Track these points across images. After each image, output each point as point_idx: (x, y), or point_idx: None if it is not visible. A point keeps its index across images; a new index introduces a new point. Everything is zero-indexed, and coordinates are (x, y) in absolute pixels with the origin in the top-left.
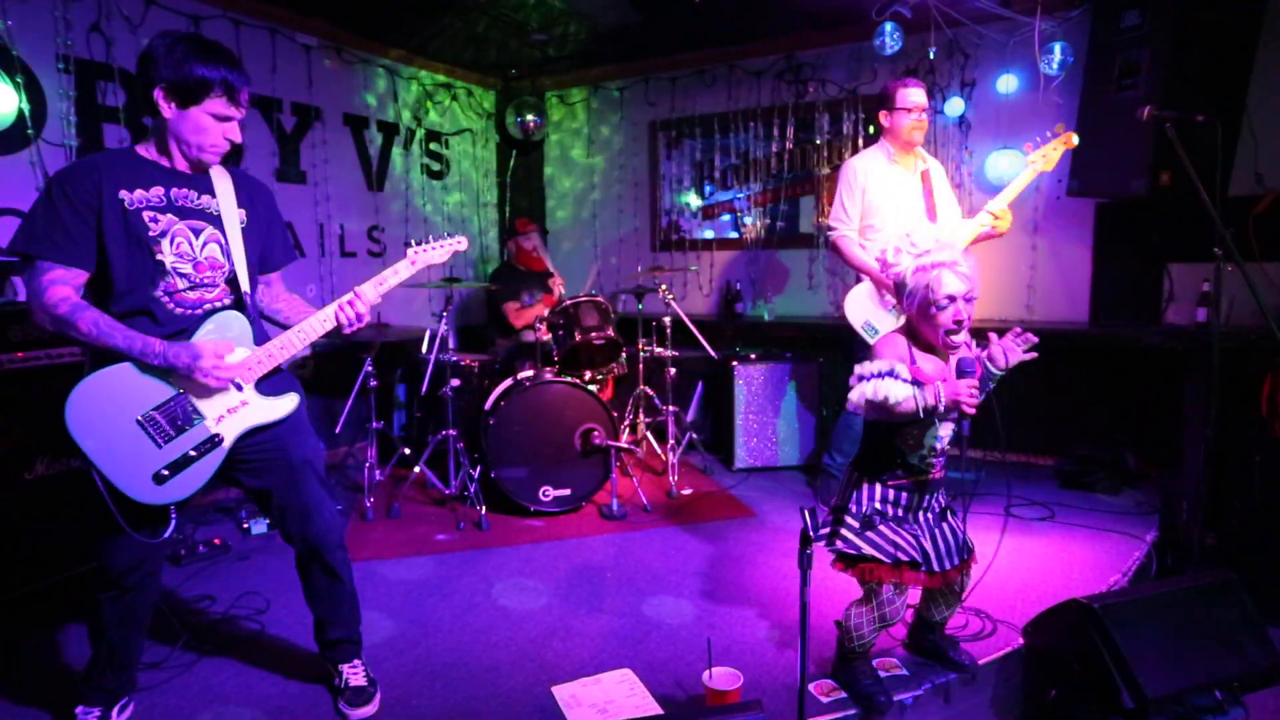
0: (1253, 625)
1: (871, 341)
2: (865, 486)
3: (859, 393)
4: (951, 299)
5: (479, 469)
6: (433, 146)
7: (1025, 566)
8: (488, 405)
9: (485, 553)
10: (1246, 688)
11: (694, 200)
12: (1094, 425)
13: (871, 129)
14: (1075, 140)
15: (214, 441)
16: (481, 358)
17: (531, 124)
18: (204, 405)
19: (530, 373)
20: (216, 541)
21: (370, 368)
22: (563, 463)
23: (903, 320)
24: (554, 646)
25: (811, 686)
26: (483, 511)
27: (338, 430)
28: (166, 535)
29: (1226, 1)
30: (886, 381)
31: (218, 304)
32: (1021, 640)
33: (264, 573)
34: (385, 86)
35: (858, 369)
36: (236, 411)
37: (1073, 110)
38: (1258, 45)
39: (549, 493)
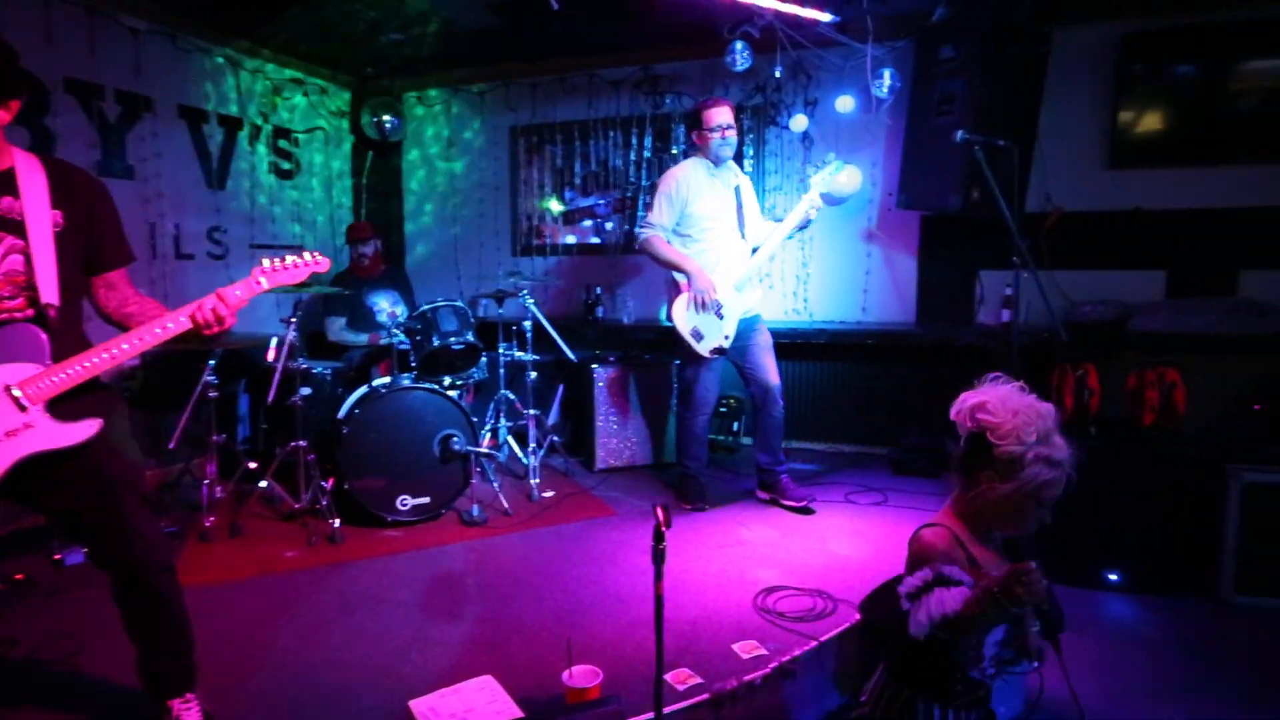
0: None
1: (699, 348)
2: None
3: (915, 620)
4: (1054, 502)
5: (331, 481)
6: (282, 144)
7: (862, 548)
8: (341, 414)
9: (339, 567)
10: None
11: (555, 206)
12: (921, 416)
13: None
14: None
15: None
16: (335, 365)
17: (388, 125)
18: None
19: (387, 379)
20: (18, 577)
21: (210, 377)
22: (421, 470)
23: (955, 496)
24: (412, 659)
25: (669, 676)
26: (336, 525)
27: (172, 446)
28: None
29: (1020, 41)
30: (937, 593)
31: (17, 316)
32: (858, 615)
33: (81, 609)
34: (228, 79)
35: (902, 587)
36: (17, 436)
37: (900, 131)
38: (1045, 81)
39: (407, 502)
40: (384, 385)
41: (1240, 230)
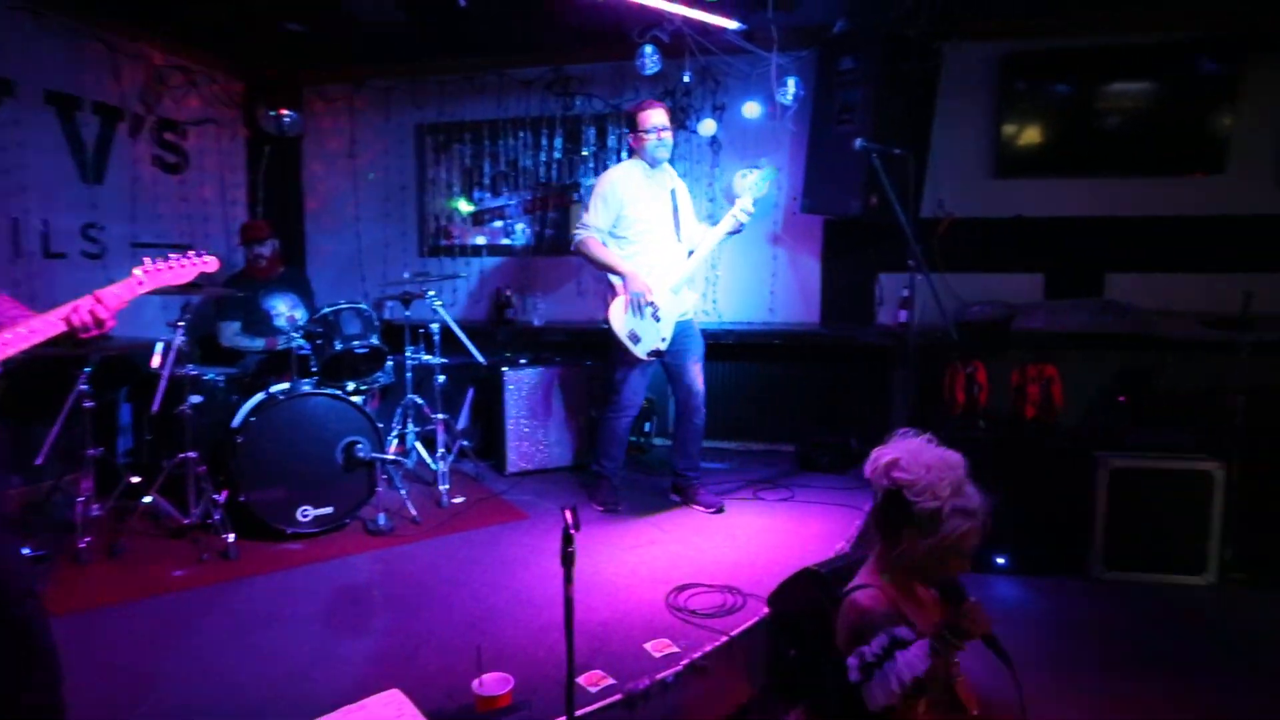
0: None
1: (636, 351)
2: None
3: (884, 690)
4: (975, 550)
5: (225, 493)
6: (168, 137)
7: (770, 543)
8: (236, 422)
9: (234, 585)
10: None
11: (464, 206)
12: (826, 413)
13: None
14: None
15: None
16: (228, 371)
17: (287, 119)
18: None
19: (285, 385)
20: None
21: (85, 386)
22: (324, 480)
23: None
24: (315, 677)
25: (582, 678)
26: (230, 540)
27: (39, 461)
28: None
29: (913, 57)
30: (900, 658)
31: None
32: (767, 609)
33: None
34: (104, 63)
35: (854, 658)
36: None
37: (804, 138)
38: (937, 94)
39: (308, 512)
40: (282, 391)
41: (1106, 237)
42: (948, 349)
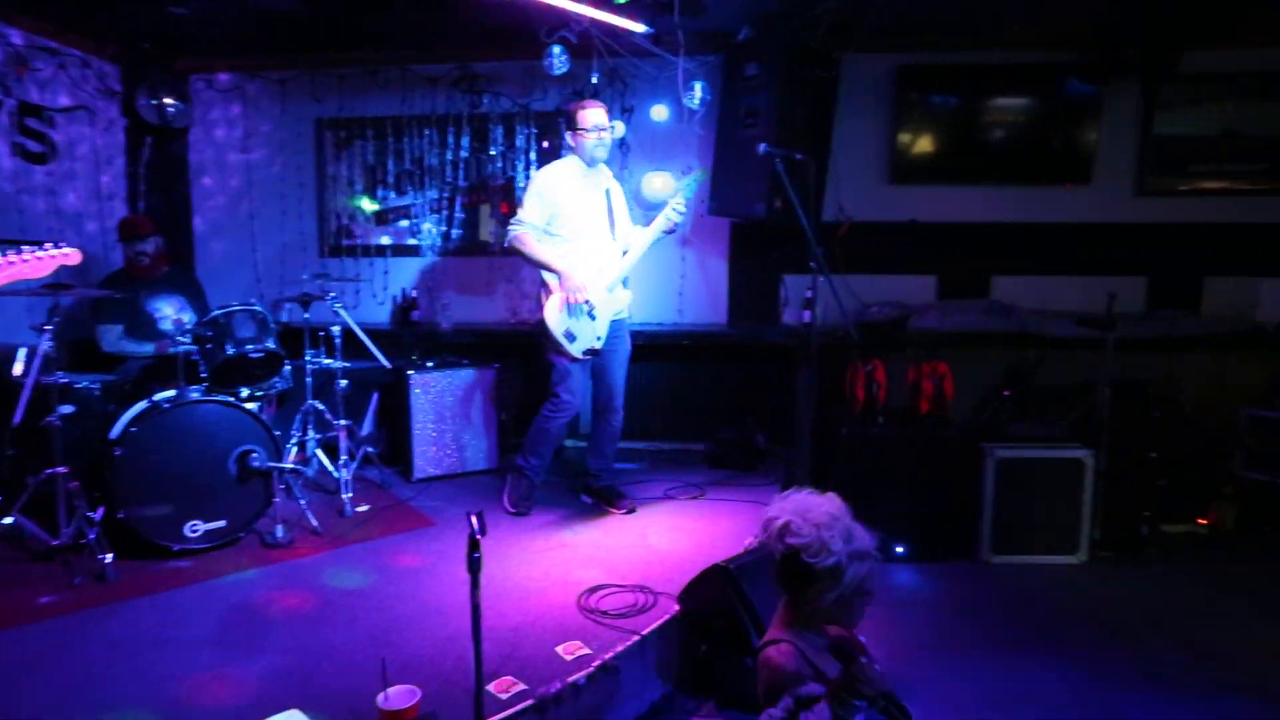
0: None
1: (572, 350)
2: None
3: None
4: (873, 590)
5: (102, 510)
6: (31, 123)
7: (681, 541)
8: (114, 433)
9: (113, 609)
10: None
11: (367, 205)
12: (734, 412)
13: (545, 144)
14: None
15: None
16: (105, 378)
17: (170, 108)
18: None
19: (171, 393)
20: None
21: None
22: (215, 492)
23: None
24: (204, 702)
25: (491, 686)
26: (108, 560)
27: None
28: None
29: (813, 65)
30: (804, 718)
31: None
32: (678, 606)
33: None
34: None
35: (764, 718)
36: None
37: (711, 141)
38: (837, 102)
39: (198, 527)
40: (168, 399)
41: (992, 241)
42: (849, 348)
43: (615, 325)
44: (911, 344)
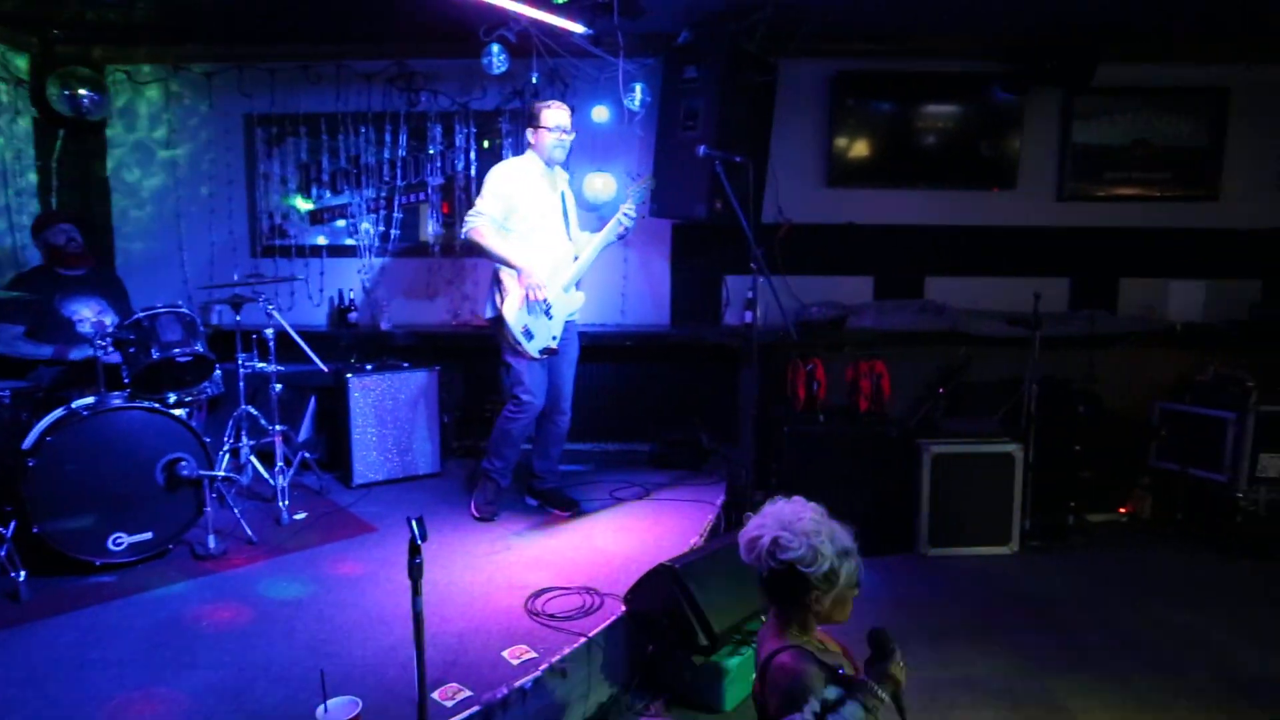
0: None
1: (529, 348)
2: None
3: None
4: (862, 580)
5: (14, 525)
6: None
7: (627, 542)
8: (27, 443)
9: (26, 629)
10: None
11: (301, 204)
12: (679, 412)
13: (485, 143)
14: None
15: None
16: (17, 384)
17: (85, 100)
18: None
19: (90, 400)
20: None
21: None
22: (142, 502)
23: (780, 613)
24: None
25: (436, 693)
26: (21, 578)
27: None
28: None
29: (752, 69)
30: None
31: None
32: (624, 607)
33: None
34: None
35: None
36: None
37: (652, 143)
38: (775, 106)
39: (122, 540)
40: (86, 406)
41: (925, 243)
42: (789, 347)
43: (568, 326)
44: (849, 343)
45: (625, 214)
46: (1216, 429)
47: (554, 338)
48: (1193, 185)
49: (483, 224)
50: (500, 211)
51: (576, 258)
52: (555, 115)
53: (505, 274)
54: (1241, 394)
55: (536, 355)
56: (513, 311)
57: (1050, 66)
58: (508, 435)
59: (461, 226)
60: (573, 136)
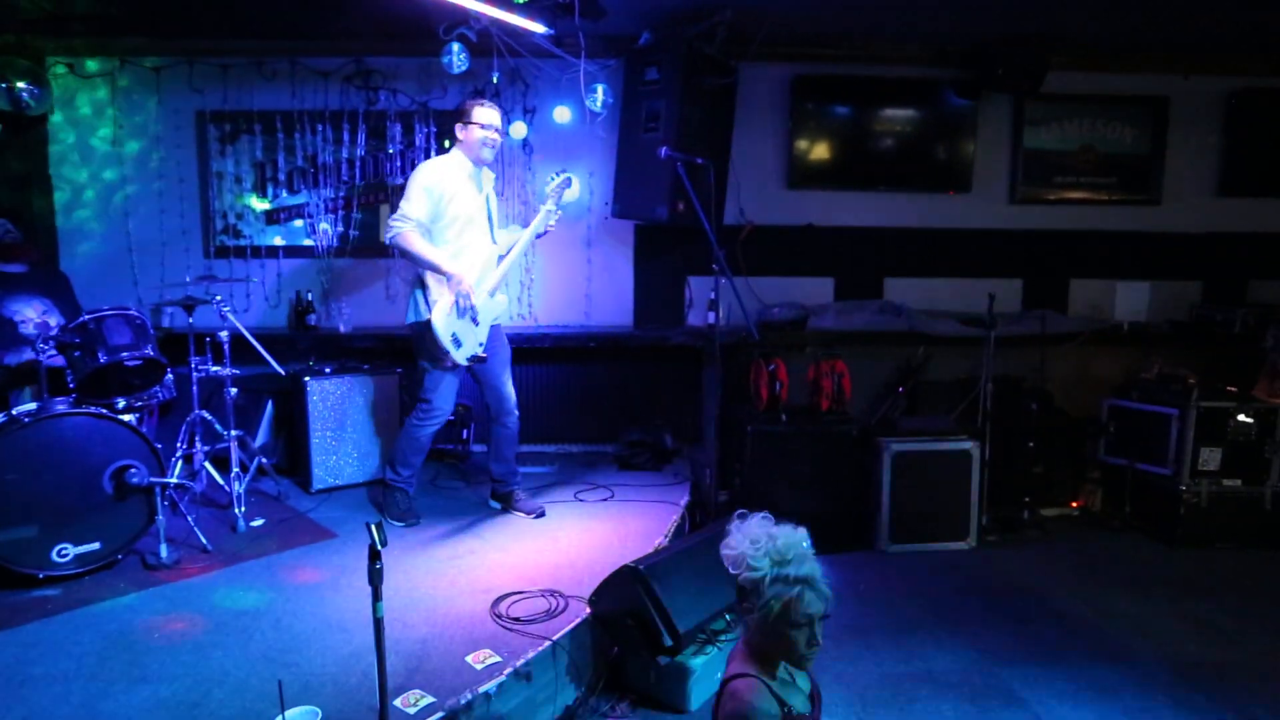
0: None
1: (457, 356)
2: None
3: None
4: (810, 620)
5: None
6: None
7: (591, 544)
8: None
9: None
10: None
11: (256, 203)
12: (642, 413)
13: (447, 143)
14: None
15: None
16: None
17: (25, 93)
18: None
19: (32, 406)
20: None
21: None
22: (89, 512)
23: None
24: None
25: (399, 700)
26: None
27: None
28: None
29: (713, 72)
30: None
31: None
32: (589, 609)
33: None
34: None
35: None
36: None
37: (614, 144)
38: (736, 108)
39: (67, 551)
40: (28, 413)
41: (883, 245)
42: (751, 347)
43: (493, 330)
44: (811, 343)
45: (549, 213)
46: (1161, 425)
47: (480, 344)
48: (1136, 190)
49: (409, 229)
50: (427, 213)
51: (501, 259)
52: (486, 113)
53: (432, 279)
54: (1184, 391)
55: (464, 363)
56: (441, 318)
57: (1001, 73)
58: (415, 442)
59: (386, 231)
60: (501, 137)
